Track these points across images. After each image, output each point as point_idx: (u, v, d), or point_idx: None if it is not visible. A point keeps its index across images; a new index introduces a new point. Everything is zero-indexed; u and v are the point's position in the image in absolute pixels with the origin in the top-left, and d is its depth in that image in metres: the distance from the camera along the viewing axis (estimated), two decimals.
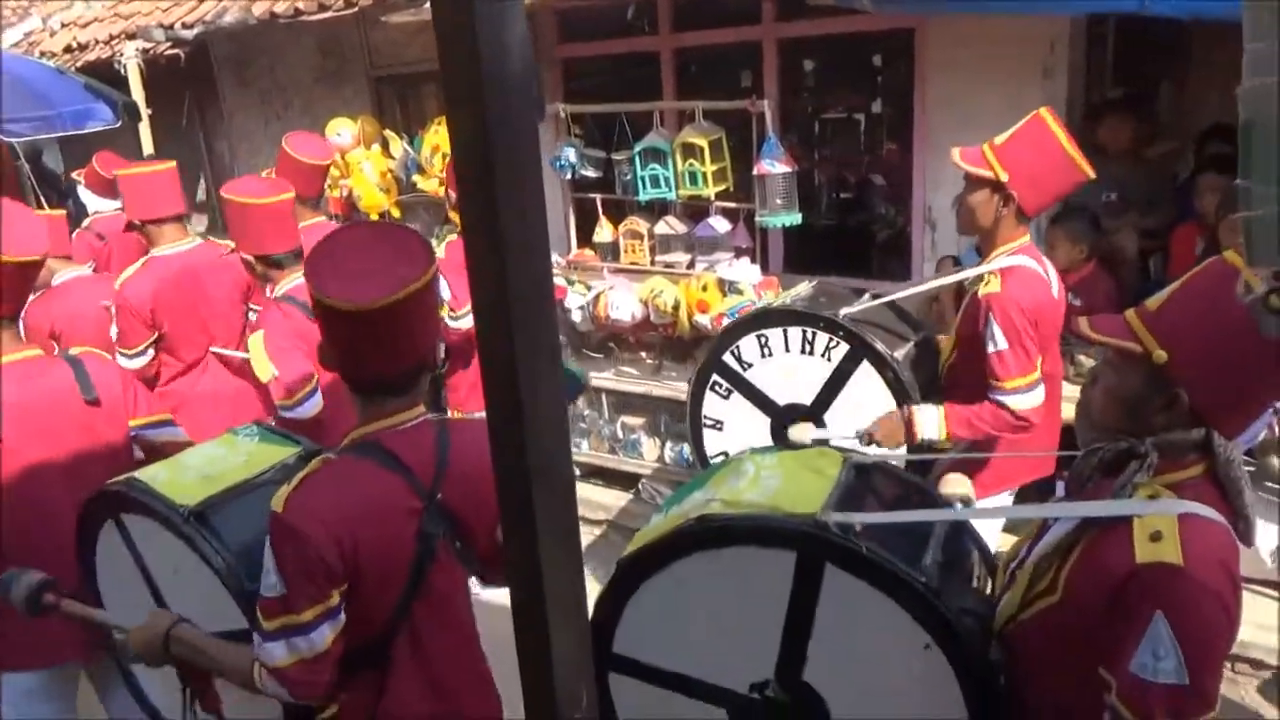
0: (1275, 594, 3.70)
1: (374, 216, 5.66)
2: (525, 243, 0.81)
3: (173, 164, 4.08)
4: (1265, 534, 3.62)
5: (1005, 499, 2.97)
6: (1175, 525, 1.40)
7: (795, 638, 1.63)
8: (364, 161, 5.66)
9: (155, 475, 2.05)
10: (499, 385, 0.84)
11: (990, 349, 2.65)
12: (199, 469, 2.07)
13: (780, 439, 3.05)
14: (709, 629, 1.73)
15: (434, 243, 4.90)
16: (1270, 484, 3.63)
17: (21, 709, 2.47)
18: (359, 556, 1.67)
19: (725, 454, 3.17)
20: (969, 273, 2.90)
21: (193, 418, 3.66)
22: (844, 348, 2.86)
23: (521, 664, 0.89)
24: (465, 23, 0.78)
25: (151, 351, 3.83)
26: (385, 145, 5.75)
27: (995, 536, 2.80)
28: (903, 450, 2.80)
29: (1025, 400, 2.66)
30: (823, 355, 2.90)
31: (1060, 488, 1.70)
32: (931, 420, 2.74)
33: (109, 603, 2.26)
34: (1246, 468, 3.77)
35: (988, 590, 1.81)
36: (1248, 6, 1.00)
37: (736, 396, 3.11)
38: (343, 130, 5.74)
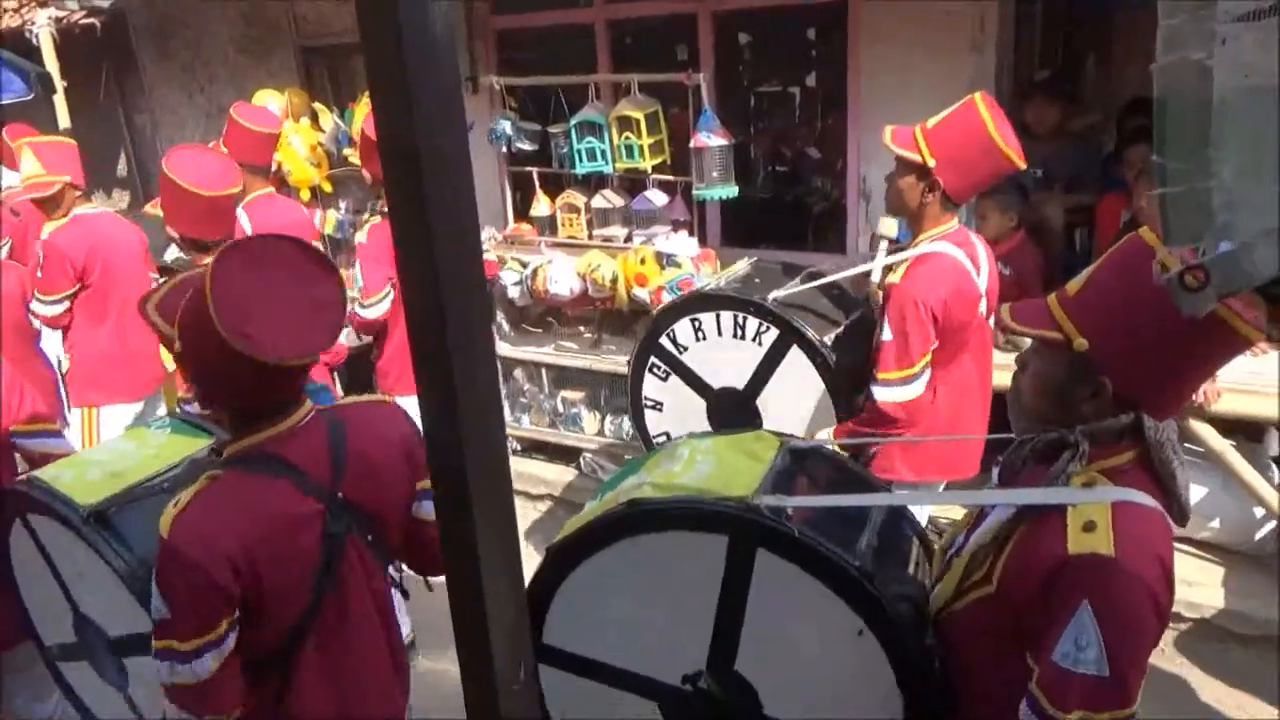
0: (1193, 550, 3.85)
1: (304, 192, 5.52)
2: (454, 223, 0.79)
3: (71, 140, 4.26)
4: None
5: (937, 486, 3.00)
6: (1109, 514, 1.39)
7: (728, 625, 1.61)
8: (293, 135, 5.51)
9: (58, 474, 1.97)
10: (431, 366, 0.83)
11: (879, 338, 2.68)
12: (105, 465, 1.99)
13: (716, 422, 3.04)
14: (640, 618, 1.70)
15: (361, 220, 4.81)
16: (1191, 446, 3.78)
17: None
18: (258, 573, 1.62)
19: (667, 434, 3.18)
20: (893, 258, 2.92)
21: (99, 374, 3.71)
22: (774, 332, 2.86)
23: (459, 637, 0.89)
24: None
25: (68, 303, 3.90)
26: (314, 118, 5.61)
27: (924, 521, 2.85)
28: (828, 435, 2.82)
29: (891, 393, 2.66)
30: (754, 340, 2.90)
31: (995, 475, 1.70)
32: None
33: (28, 599, 2.19)
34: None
35: (925, 577, 1.80)
36: None
37: (674, 379, 3.12)
38: (270, 103, 5.56)
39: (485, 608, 0.87)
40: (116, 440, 2.14)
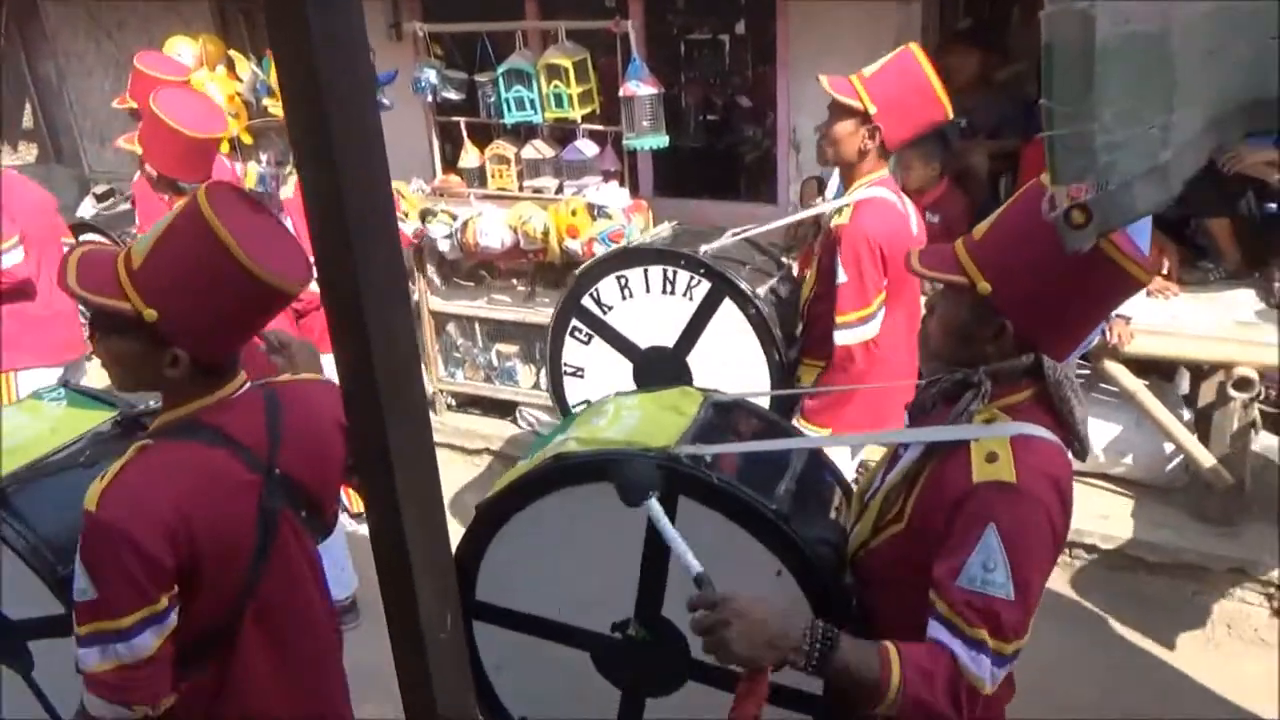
0: (1108, 485, 4.02)
1: (222, 144, 5.33)
2: (363, 171, 0.77)
3: None
4: (1103, 432, 3.92)
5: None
6: (1009, 446, 1.45)
7: (653, 574, 1.64)
8: (208, 84, 5.29)
9: None
10: (344, 316, 0.82)
11: (836, 281, 2.71)
12: None
13: (643, 384, 3.01)
14: (570, 571, 1.72)
15: (285, 173, 4.68)
16: (1105, 386, 3.92)
17: None
18: (195, 547, 1.55)
19: (587, 402, 3.14)
20: (828, 205, 2.94)
21: (14, 337, 3.60)
22: (705, 285, 2.84)
23: (384, 589, 0.89)
24: None
25: None
26: (231, 66, 5.39)
27: (850, 472, 2.91)
28: (765, 387, 2.85)
29: (850, 335, 2.70)
30: (684, 294, 2.88)
31: (906, 417, 1.76)
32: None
33: None
34: (1082, 372, 4.04)
35: (844, 520, 1.84)
36: None
37: (597, 341, 3.06)
38: (183, 50, 5.34)
39: (409, 558, 0.87)
40: (8, 413, 2.01)
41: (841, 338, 2.70)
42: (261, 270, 1.52)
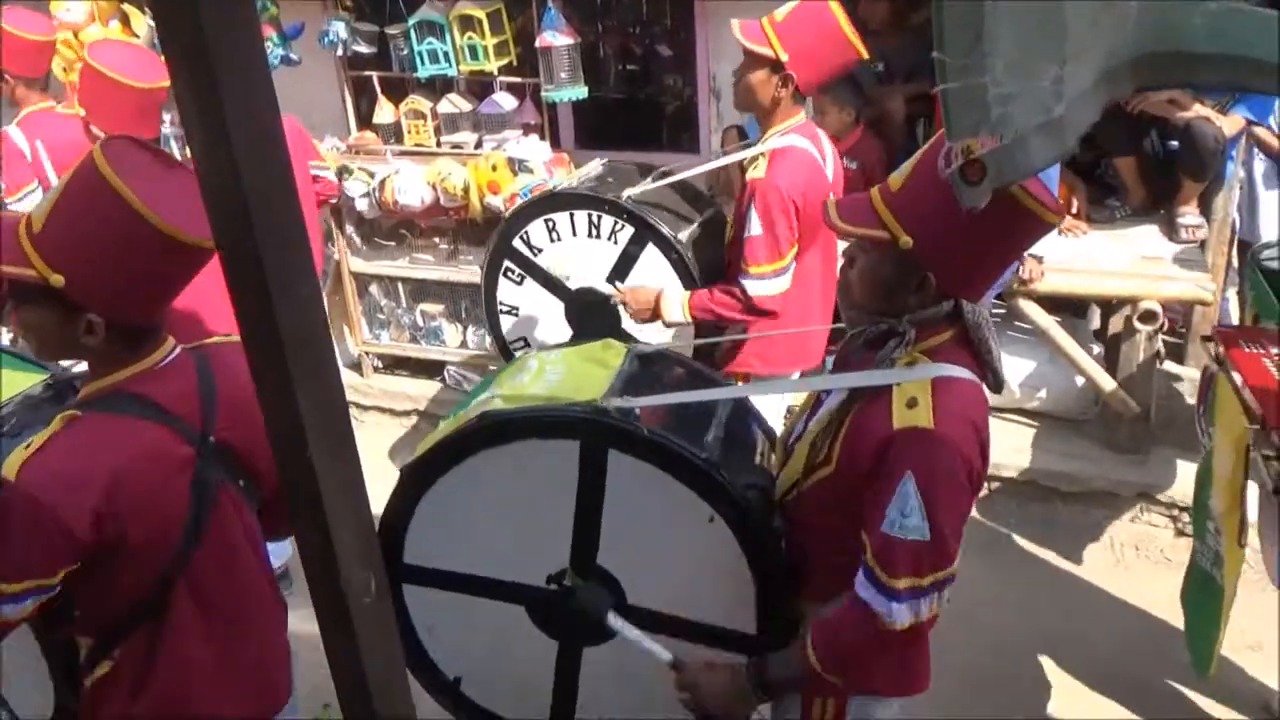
0: (1022, 419, 4.17)
1: None
2: (253, 125, 0.75)
3: None
4: (1018, 368, 4.05)
5: (790, 377, 3.11)
6: (929, 390, 1.49)
7: (586, 526, 1.66)
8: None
9: None
10: (243, 281, 0.80)
11: (745, 233, 2.71)
12: None
13: (575, 323, 3.05)
14: (501, 528, 1.72)
15: None
16: (1020, 323, 4.04)
17: None
18: (121, 524, 1.51)
19: (525, 340, 3.16)
20: (745, 153, 2.94)
21: None
22: (629, 230, 2.86)
23: (304, 555, 0.88)
24: None
25: None
26: (125, 21, 5.14)
27: (778, 417, 2.96)
28: (672, 334, 2.87)
29: (764, 287, 2.71)
30: (609, 239, 2.90)
31: (828, 363, 1.80)
32: (675, 303, 2.80)
33: None
34: (998, 311, 4.15)
35: (770, 465, 1.88)
36: None
37: (530, 282, 3.08)
38: (72, 5, 5.07)
39: (327, 527, 0.87)
40: None
41: (754, 288, 2.72)
42: (168, 225, 1.46)
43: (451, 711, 1.91)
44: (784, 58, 2.67)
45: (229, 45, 0.73)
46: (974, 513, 2.70)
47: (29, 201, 3.80)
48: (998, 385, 1.63)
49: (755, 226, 2.69)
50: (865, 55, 2.75)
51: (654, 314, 2.82)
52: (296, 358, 0.82)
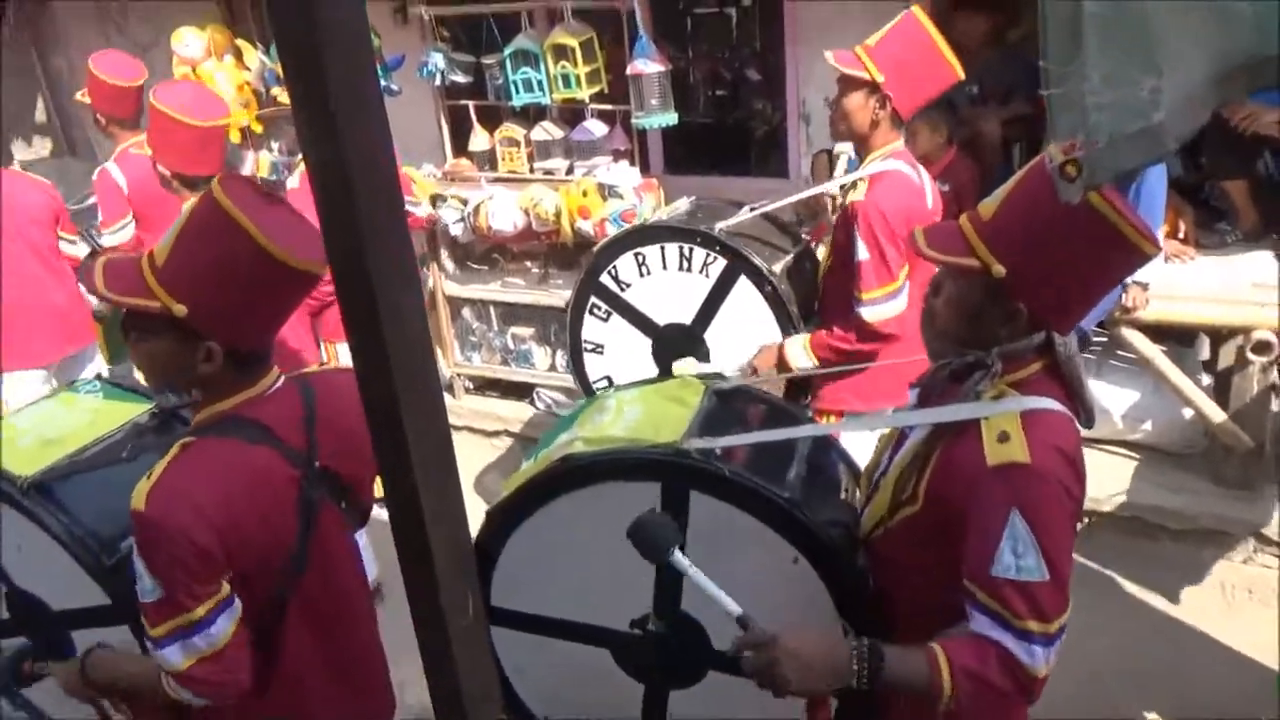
0: (1126, 452, 4.01)
1: (233, 133, 5.35)
2: (369, 155, 0.79)
3: None
4: (1121, 399, 3.91)
5: (885, 412, 3.05)
6: (1019, 423, 1.44)
7: (669, 569, 1.63)
8: (217, 74, 5.31)
9: None
10: (356, 299, 0.84)
11: (855, 258, 2.69)
12: (36, 432, 1.89)
13: (662, 360, 3.03)
14: (585, 571, 1.72)
15: (297, 161, 4.68)
16: (1122, 352, 3.90)
17: None
18: (239, 542, 1.57)
19: (609, 379, 3.15)
20: (843, 179, 2.93)
21: (16, 336, 3.62)
22: (721, 263, 2.84)
23: (405, 576, 0.91)
24: None
25: None
26: (239, 55, 5.40)
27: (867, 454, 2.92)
28: (772, 372, 2.84)
29: (881, 311, 2.68)
30: (701, 271, 2.88)
31: (912, 396, 1.76)
32: (799, 348, 2.79)
33: None
34: (1099, 339, 4.01)
35: (856, 501, 1.84)
36: None
37: (616, 318, 3.06)
38: (190, 41, 5.35)
39: (428, 544, 0.90)
40: (44, 404, 2.03)
41: (870, 314, 2.69)
42: (283, 253, 1.54)
43: None
44: (880, 78, 2.66)
45: (346, 79, 0.77)
46: (1080, 555, 2.61)
47: (123, 234, 4.04)
48: (1089, 420, 1.58)
49: (863, 251, 2.67)
50: (962, 75, 2.72)
51: (781, 365, 2.81)
52: (402, 373, 0.85)
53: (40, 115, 8.19)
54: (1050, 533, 1.40)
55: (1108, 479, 3.85)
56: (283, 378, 1.74)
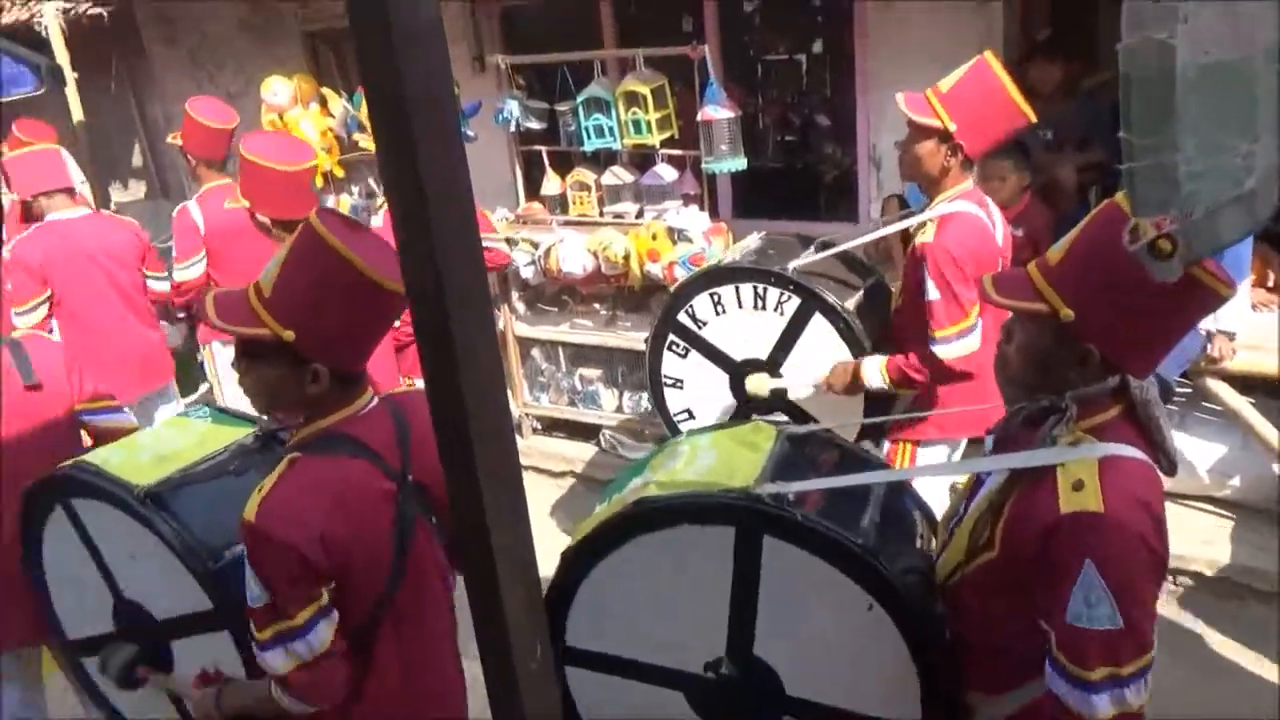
0: (1212, 508, 3.86)
1: (316, 178, 5.55)
2: (448, 195, 0.82)
3: (55, 146, 4.38)
4: (1206, 453, 3.77)
5: (961, 443, 3.02)
6: (1096, 470, 1.42)
7: (742, 613, 1.64)
8: (303, 121, 5.53)
9: (107, 457, 2.03)
10: (432, 338, 0.86)
11: (925, 298, 2.69)
12: (152, 449, 2.05)
13: (740, 394, 3.08)
14: (658, 612, 1.73)
15: (376, 205, 4.82)
16: (1207, 404, 3.77)
17: None
18: (344, 553, 1.65)
19: (689, 412, 3.22)
20: (912, 220, 2.92)
21: (99, 374, 3.78)
22: (795, 301, 2.88)
23: (475, 618, 0.93)
24: None
25: (43, 310, 3.98)
26: (324, 103, 5.62)
27: (944, 488, 2.87)
28: (859, 406, 2.83)
29: (954, 349, 2.67)
30: (775, 310, 2.92)
31: (988, 443, 1.73)
32: (875, 369, 2.79)
33: (56, 591, 2.22)
34: (1184, 390, 3.88)
35: (931, 548, 1.82)
36: None
37: (694, 355, 3.14)
38: (279, 89, 5.59)
39: (499, 586, 0.91)
40: (159, 427, 2.23)
41: (944, 352, 2.68)
42: (378, 275, 1.63)
43: None
44: (952, 128, 2.66)
45: (430, 125, 0.80)
46: (1159, 609, 2.52)
47: (193, 270, 4.21)
48: (1171, 467, 1.54)
49: (932, 291, 2.66)
50: (1034, 119, 2.71)
51: (855, 382, 2.82)
52: (476, 408, 0.87)
53: (137, 160, 8.61)
54: (1125, 583, 1.38)
55: (1193, 536, 3.70)
56: (376, 397, 1.83)
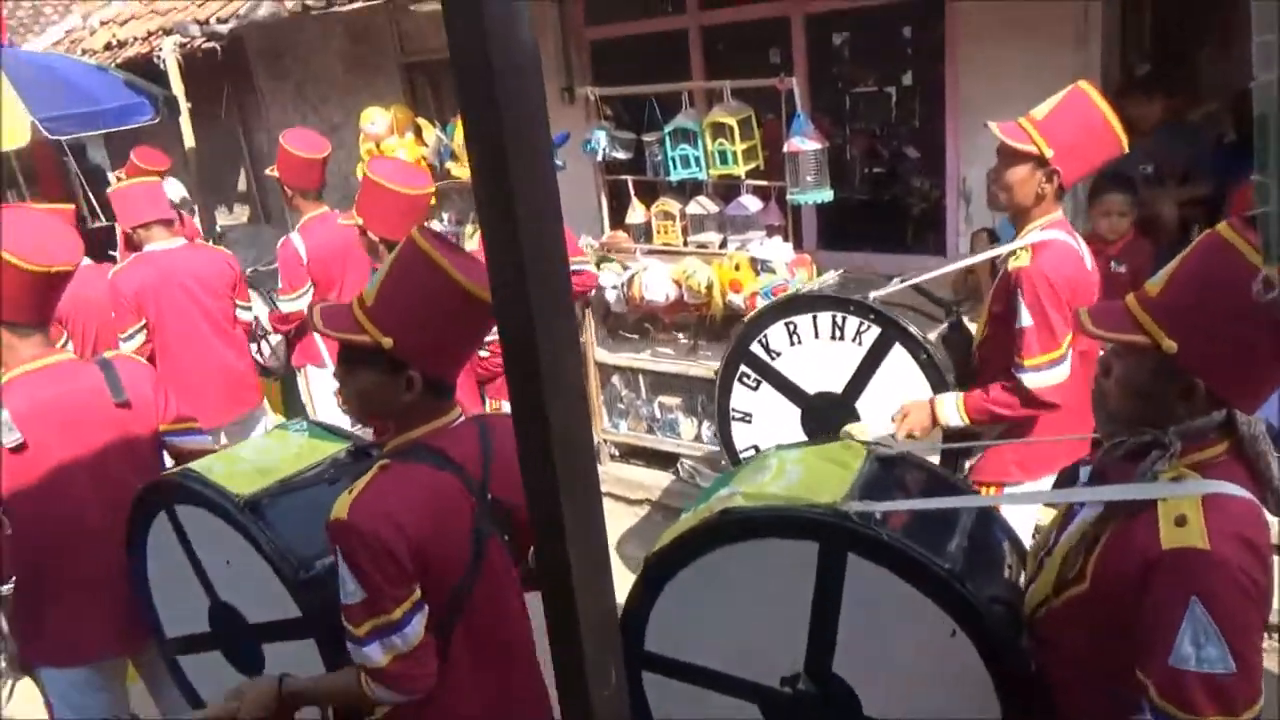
0: None
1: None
2: (539, 224, 0.84)
3: (156, 179, 4.71)
4: None
5: (1046, 482, 2.93)
6: (1199, 507, 1.37)
7: (822, 629, 1.63)
8: (398, 150, 5.72)
9: (210, 466, 2.13)
10: (519, 363, 0.88)
11: (1017, 325, 2.62)
12: (252, 461, 2.15)
13: (810, 429, 3.00)
14: (738, 623, 1.73)
15: (466, 231, 4.94)
16: None
17: (72, 701, 2.54)
18: (425, 555, 1.71)
19: (755, 448, 3.12)
20: (1001, 249, 2.87)
21: (190, 399, 3.95)
22: (875, 331, 2.80)
23: (551, 641, 0.94)
24: (475, 16, 0.82)
25: (141, 336, 4.17)
26: (418, 132, 5.80)
27: (1031, 522, 2.77)
28: (938, 437, 2.78)
29: (1042, 379, 2.59)
30: (854, 340, 2.85)
31: (1084, 474, 1.68)
32: (951, 406, 2.72)
33: (157, 591, 2.33)
34: None
35: (1020, 579, 1.78)
36: (1255, 2, 0.99)
37: (765, 387, 3.06)
38: (377, 119, 5.79)
39: (576, 610, 0.92)
40: (260, 440, 2.33)
41: (1031, 380, 2.60)
42: (473, 287, 1.72)
43: None
44: (1049, 154, 2.61)
45: (524, 154, 0.83)
46: (1273, 667, 2.38)
47: (300, 302, 4.36)
48: (1278, 507, 1.47)
49: (1026, 317, 2.59)
50: (1127, 148, 2.64)
51: (931, 422, 2.75)
52: (557, 422, 0.89)
53: (242, 185, 9.01)
54: (1234, 623, 1.31)
55: None
56: (463, 415, 1.89)
